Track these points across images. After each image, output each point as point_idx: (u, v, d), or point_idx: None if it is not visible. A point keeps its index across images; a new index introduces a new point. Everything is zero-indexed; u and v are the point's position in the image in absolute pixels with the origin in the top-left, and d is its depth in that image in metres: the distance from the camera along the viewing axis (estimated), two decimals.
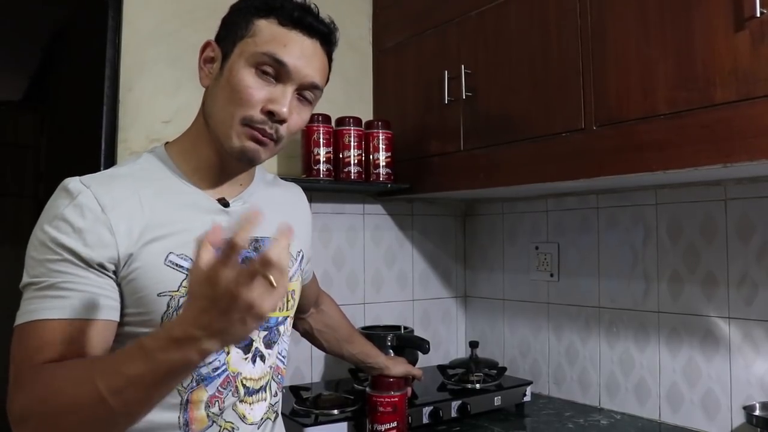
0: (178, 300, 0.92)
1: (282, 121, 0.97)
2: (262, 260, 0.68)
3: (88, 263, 0.87)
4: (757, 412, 1.39)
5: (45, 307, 0.84)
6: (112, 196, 0.91)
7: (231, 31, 1.00)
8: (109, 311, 0.88)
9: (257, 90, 0.95)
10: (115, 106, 1.62)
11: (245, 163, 1.01)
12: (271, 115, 0.96)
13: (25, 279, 0.88)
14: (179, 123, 1.67)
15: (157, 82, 1.66)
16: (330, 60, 1.06)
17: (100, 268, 0.87)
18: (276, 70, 0.96)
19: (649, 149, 1.24)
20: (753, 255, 1.46)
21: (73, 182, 0.91)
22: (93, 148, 1.65)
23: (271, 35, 0.97)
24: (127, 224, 0.90)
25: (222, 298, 0.69)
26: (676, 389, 1.59)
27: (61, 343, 0.83)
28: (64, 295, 0.85)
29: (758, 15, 1.06)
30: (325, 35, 1.02)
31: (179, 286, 0.92)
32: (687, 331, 1.58)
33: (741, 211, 1.49)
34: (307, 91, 1.00)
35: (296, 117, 1.00)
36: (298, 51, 0.97)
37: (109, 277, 0.89)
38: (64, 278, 0.85)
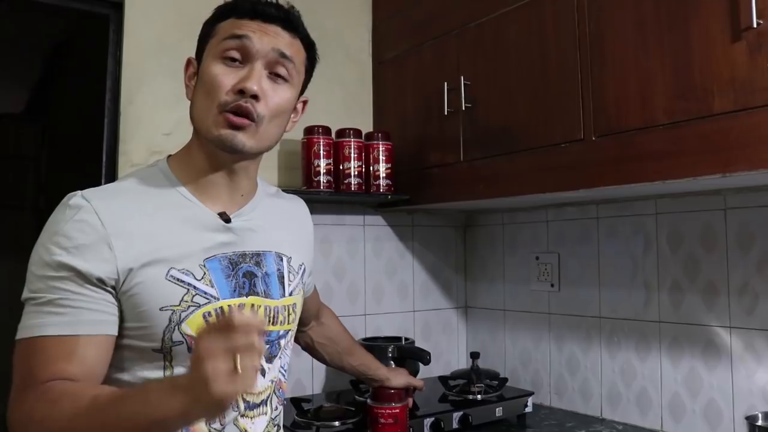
0: (180, 314, 0.93)
1: (254, 97, 0.96)
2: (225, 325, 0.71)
3: (87, 279, 0.88)
4: (759, 422, 1.38)
5: (45, 323, 0.87)
6: (113, 211, 0.92)
7: (201, 42, 1.03)
8: (108, 326, 0.90)
9: (225, 76, 0.96)
10: (116, 119, 1.63)
11: (229, 151, 0.98)
12: (242, 93, 0.95)
13: (26, 293, 0.90)
14: (180, 135, 1.67)
15: (158, 94, 1.66)
16: (307, 44, 1.05)
17: (100, 283, 0.89)
18: (240, 53, 0.97)
19: (648, 159, 1.24)
20: (753, 264, 1.46)
21: (74, 198, 0.93)
22: (94, 160, 1.65)
23: (231, 25, 0.99)
24: (127, 240, 0.91)
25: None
26: (678, 399, 1.59)
27: (62, 360, 0.86)
28: (63, 312, 0.87)
29: (755, 26, 1.07)
30: (283, 20, 1.01)
31: (180, 301, 0.93)
32: (688, 341, 1.57)
33: (741, 220, 1.49)
34: (279, 67, 0.99)
35: (272, 94, 0.99)
36: (258, 30, 0.98)
37: (108, 291, 0.90)
38: (63, 295, 0.88)
